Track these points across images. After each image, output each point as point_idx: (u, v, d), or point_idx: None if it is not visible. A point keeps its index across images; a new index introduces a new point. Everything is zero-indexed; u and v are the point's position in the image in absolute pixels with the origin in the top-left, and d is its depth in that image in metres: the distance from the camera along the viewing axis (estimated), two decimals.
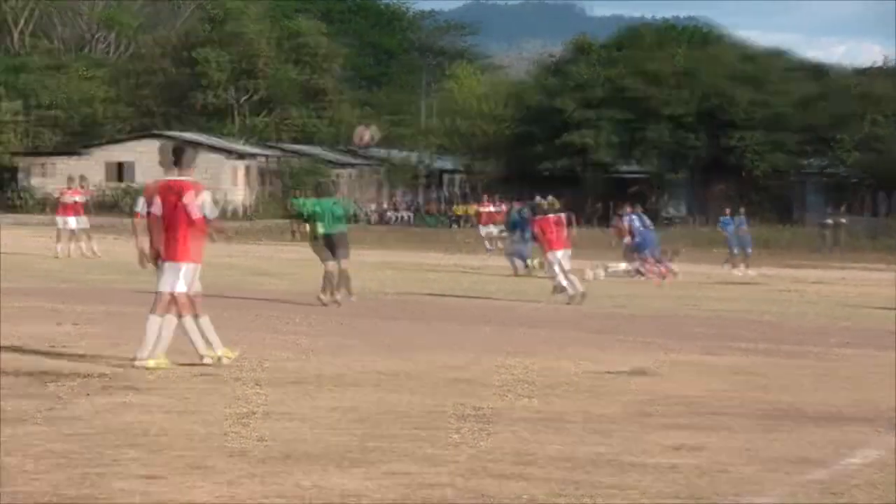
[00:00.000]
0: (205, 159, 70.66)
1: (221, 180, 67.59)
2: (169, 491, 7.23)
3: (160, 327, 12.37)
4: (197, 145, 71.86)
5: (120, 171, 71.88)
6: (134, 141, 74.34)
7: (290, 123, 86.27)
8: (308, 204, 22.13)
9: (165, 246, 12.52)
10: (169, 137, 73.93)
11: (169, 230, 12.52)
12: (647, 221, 34.33)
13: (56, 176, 72.55)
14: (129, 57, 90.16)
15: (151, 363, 12.19)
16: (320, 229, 21.57)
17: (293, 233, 24.26)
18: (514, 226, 34.64)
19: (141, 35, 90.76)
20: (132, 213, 14.29)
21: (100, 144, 75.51)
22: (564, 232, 25.10)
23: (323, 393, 11.11)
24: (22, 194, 72.09)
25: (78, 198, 33.91)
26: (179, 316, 12.50)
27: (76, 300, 20.28)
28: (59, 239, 33.16)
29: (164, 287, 12.48)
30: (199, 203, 12.56)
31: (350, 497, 7.22)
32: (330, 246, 21.54)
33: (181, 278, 12.45)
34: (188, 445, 8.47)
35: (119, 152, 73.29)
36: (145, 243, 12.74)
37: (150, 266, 12.76)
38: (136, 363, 12.21)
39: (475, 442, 9.00)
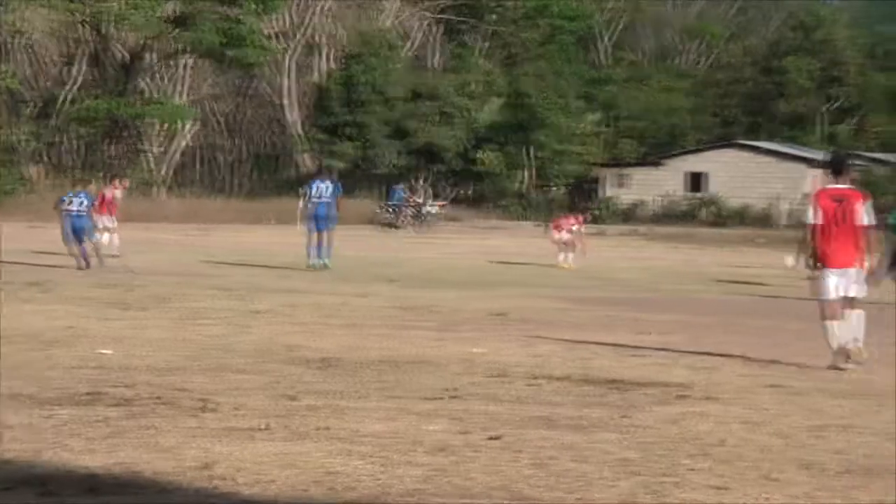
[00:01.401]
0: (785, 168, 70.53)
1: (802, 189, 66.55)
2: (739, 502, 7.10)
3: (838, 328, 13.06)
4: (780, 154, 72.05)
5: (696, 181, 72.13)
6: (712, 151, 74.64)
7: (874, 131, 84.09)
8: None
9: (836, 254, 13.13)
10: (749, 147, 73.92)
11: (837, 238, 13.12)
12: None
13: (633, 186, 74.05)
14: (714, 67, 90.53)
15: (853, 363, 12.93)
16: None
17: None
18: None
19: (729, 44, 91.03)
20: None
21: (678, 154, 76.14)
22: None
23: None
24: (602, 204, 73.72)
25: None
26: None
27: (655, 309, 20.51)
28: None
29: (833, 293, 13.08)
30: (865, 210, 13.26)
31: None
32: None
33: (854, 283, 13.14)
34: (762, 457, 8.31)
35: (696, 162, 73.62)
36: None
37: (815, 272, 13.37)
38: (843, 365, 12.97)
39: None
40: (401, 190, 61.43)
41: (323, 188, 27.81)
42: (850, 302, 13.24)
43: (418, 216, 57.15)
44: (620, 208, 73.01)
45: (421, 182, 69.24)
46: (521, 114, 73.85)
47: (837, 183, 13.55)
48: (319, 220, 27.45)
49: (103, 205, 31.14)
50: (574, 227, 33.49)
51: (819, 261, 13.27)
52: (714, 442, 8.78)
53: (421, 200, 62.92)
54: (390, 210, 58.04)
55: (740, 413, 10.07)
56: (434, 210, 61.35)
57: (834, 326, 13.08)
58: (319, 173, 35.10)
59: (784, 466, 8.02)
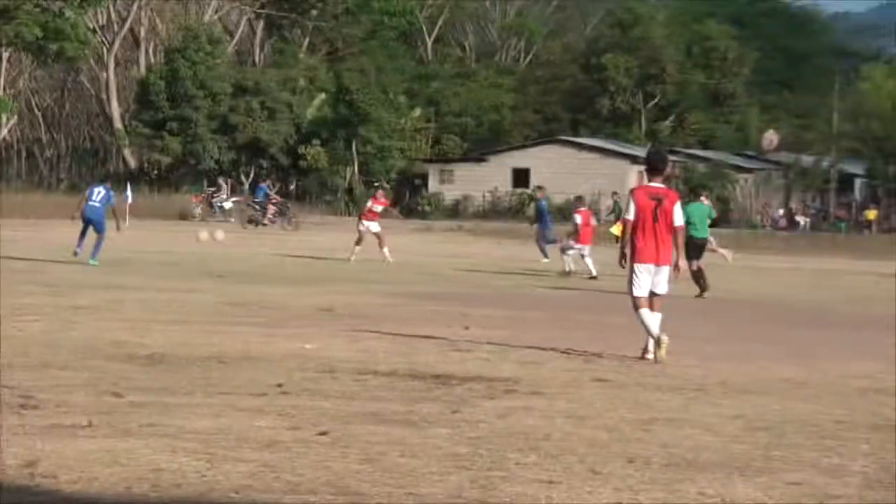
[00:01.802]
0: (609, 164, 71.57)
1: (627, 185, 67.71)
2: (568, 496, 7.19)
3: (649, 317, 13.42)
4: (602, 150, 73.16)
5: (521, 177, 72.76)
6: (536, 147, 75.50)
7: (695, 128, 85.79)
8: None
9: (650, 250, 13.45)
10: (571, 143, 74.93)
11: (652, 235, 13.46)
12: None
13: (457, 182, 74.57)
14: (533, 64, 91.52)
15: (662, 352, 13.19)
16: None
17: None
18: None
19: (549, 41, 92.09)
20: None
21: (503, 150, 76.83)
22: None
23: (727, 400, 10.88)
24: (427, 200, 74.03)
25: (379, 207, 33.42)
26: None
27: (481, 304, 20.65)
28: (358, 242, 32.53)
29: (643, 288, 13.45)
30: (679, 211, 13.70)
31: None
32: None
33: (663, 280, 13.52)
34: (589, 451, 8.42)
35: (521, 158, 74.38)
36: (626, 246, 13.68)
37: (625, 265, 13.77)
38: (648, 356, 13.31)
39: (885, 453, 8.63)
40: (265, 187, 61.11)
41: (97, 192, 28.40)
42: (656, 298, 13.53)
43: (283, 213, 56.94)
44: (446, 204, 73.42)
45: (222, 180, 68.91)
46: (345, 109, 73.83)
47: (653, 181, 13.81)
48: (91, 222, 27.96)
49: None
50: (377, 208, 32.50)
51: (633, 256, 13.51)
52: (541, 436, 8.88)
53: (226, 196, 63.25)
54: (256, 207, 57.73)
55: (566, 407, 10.19)
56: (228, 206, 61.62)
57: (647, 314, 13.34)
58: (105, 179, 35.57)
59: (609, 460, 8.14)
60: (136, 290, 20.78)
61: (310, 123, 76.06)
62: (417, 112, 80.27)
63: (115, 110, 78.62)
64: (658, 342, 13.23)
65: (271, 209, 57.31)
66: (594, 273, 28.25)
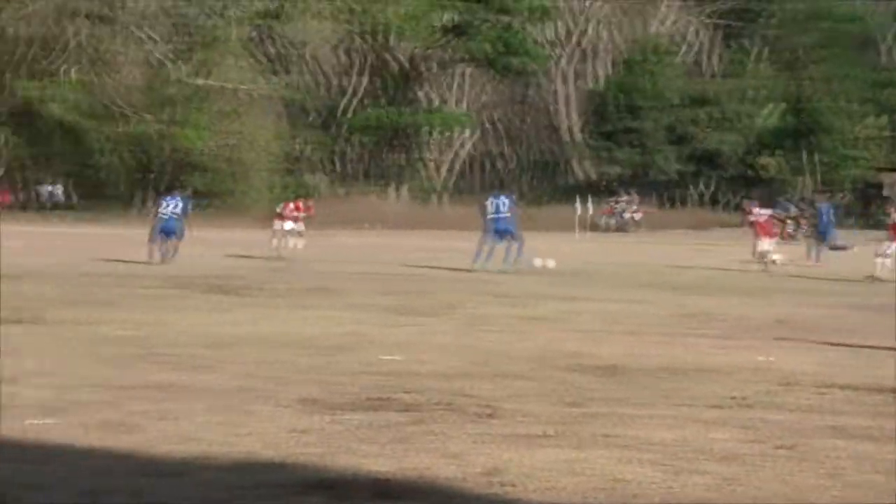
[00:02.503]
0: None
1: None
2: None
3: None
4: None
5: None
6: None
7: None
8: None
9: None
10: None
11: None
12: None
13: None
14: None
15: None
16: None
17: None
18: None
19: None
20: None
21: None
22: None
23: None
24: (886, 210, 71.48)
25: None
26: None
27: None
28: None
29: None
30: None
31: None
32: None
33: None
34: None
35: None
36: None
37: None
38: None
39: None
40: (787, 203, 59.51)
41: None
42: None
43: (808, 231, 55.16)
44: None
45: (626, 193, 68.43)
46: (803, 119, 72.43)
47: None
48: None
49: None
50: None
51: None
52: None
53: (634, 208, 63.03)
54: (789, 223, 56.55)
55: None
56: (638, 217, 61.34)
57: None
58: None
59: None
60: (585, 302, 20.97)
61: (764, 133, 75.05)
62: (878, 120, 77.85)
63: (568, 122, 79.87)
64: None
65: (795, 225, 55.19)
66: None
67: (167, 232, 29.98)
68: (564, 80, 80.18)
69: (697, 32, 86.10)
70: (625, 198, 66.62)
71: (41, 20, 57.73)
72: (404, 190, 71.23)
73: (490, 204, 29.26)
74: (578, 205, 53.32)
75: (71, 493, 6.82)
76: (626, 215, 61.83)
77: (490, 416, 9.51)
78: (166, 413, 9.29)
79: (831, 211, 38.00)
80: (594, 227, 59.71)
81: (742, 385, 11.39)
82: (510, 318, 17.81)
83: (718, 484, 7.38)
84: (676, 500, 7.04)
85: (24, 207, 58.99)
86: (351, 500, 6.88)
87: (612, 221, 61.76)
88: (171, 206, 30.65)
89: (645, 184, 74.44)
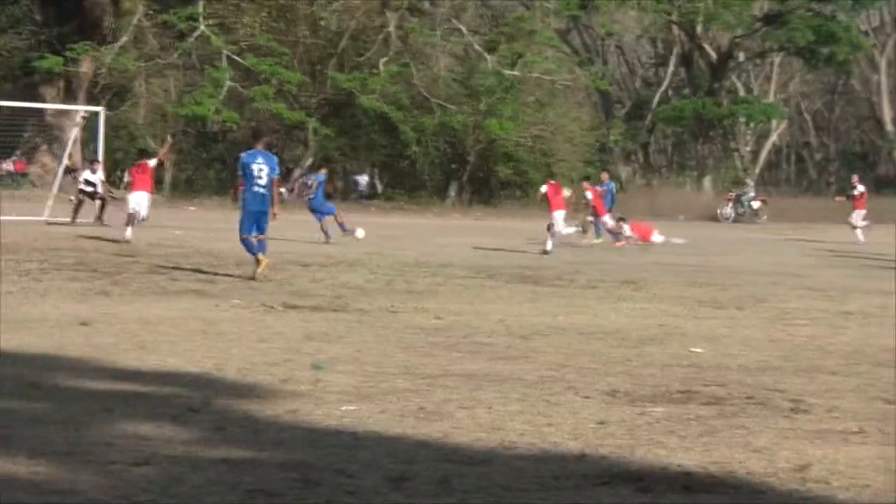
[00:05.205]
0: None
1: None
2: None
3: None
4: None
5: None
6: None
7: None
8: None
9: None
10: None
11: None
12: None
13: None
14: None
15: None
16: None
17: None
18: None
19: None
20: None
21: None
22: None
23: None
24: None
25: None
26: None
27: None
28: None
29: None
30: None
31: None
32: None
33: None
34: None
35: None
36: None
37: None
38: None
39: None
40: None
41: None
42: None
43: None
44: None
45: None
46: None
47: None
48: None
49: None
50: None
51: None
52: None
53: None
54: None
55: None
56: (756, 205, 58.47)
57: None
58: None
59: None
60: None
61: None
62: None
63: (887, 113, 77.63)
64: None
65: None
66: None
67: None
68: (883, 69, 77.93)
69: None
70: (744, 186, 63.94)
71: (363, 13, 59.03)
72: (706, 181, 70.25)
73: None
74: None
75: (379, 478, 7.02)
76: (754, 204, 59.43)
77: (797, 410, 9.40)
78: (476, 401, 9.47)
79: None
80: None
81: None
82: (820, 311, 17.49)
83: None
84: None
85: (344, 197, 60.50)
86: (658, 492, 6.90)
87: (740, 210, 59.35)
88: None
89: None
